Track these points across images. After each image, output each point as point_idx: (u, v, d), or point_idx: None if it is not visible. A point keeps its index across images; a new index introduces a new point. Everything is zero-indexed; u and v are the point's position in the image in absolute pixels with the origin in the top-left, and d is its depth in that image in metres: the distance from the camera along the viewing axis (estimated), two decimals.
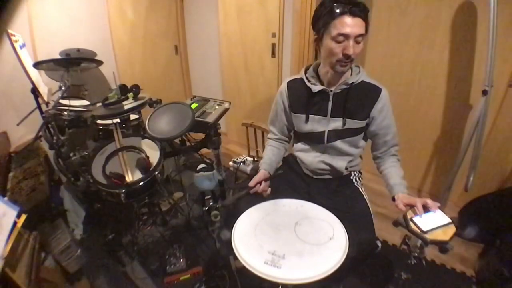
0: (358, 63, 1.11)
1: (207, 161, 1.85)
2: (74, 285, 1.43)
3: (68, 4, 2.19)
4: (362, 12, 0.92)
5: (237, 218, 0.96)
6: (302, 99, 1.14)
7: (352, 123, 1.09)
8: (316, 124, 1.13)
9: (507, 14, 1.44)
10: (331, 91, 1.08)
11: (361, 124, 1.10)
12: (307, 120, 1.14)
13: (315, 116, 1.12)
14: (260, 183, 1.07)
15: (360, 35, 0.93)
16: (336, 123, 1.11)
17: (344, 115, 1.09)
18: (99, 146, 1.44)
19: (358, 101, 1.07)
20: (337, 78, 1.07)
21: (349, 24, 0.91)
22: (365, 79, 1.08)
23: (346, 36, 0.92)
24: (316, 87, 1.09)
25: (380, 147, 1.15)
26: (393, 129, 1.12)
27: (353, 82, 1.06)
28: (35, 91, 1.57)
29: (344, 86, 1.07)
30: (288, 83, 1.19)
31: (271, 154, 1.26)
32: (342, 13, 0.90)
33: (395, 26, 1.88)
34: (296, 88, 1.16)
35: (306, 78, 1.13)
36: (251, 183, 1.07)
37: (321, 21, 0.96)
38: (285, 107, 1.21)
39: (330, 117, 1.11)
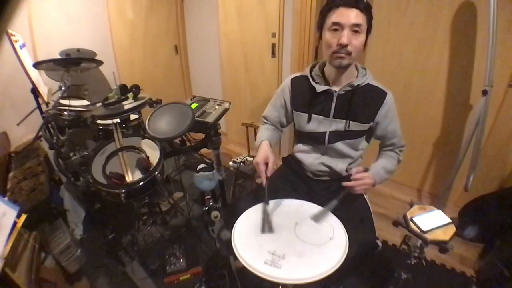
0: (358, 62, 1.11)
1: (207, 161, 1.85)
2: (74, 285, 1.43)
3: (68, 4, 2.18)
4: (358, 4, 0.92)
5: (237, 218, 0.96)
6: (305, 97, 1.13)
7: (354, 126, 1.08)
8: (318, 124, 1.12)
9: (507, 14, 1.44)
10: (335, 92, 1.07)
11: (363, 127, 1.09)
12: (309, 119, 1.13)
13: (318, 116, 1.11)
14: (267, 164, 0.99)
15: (356, 24, 0.92)
16: (338, 125, 1.10)
17: (348, 117, 1.08)
18: (99, 146, 1.44)
19: (362, 104, 1.06)
20: (340, 76, 1.06)
21: (344, 14, 0.92)
22: (371, 82, 1.07)
23: (341, 26, 0.93)
24: (320, 87, 1.08)
25: (386, 146, 1.18)
26: (398, 133, 1.13)
27: (358, 84, 1.05)
28: (35, 91, 1.57)
29: (349, 88, 1.06)
30: (292, 79, 1.17)
31: (269, 132, 1.19)
32: (338, 5, 0.93)
33: (395, 26, 1.88)
34: (300, 86, 1.15)
35: (311, 76, 1.12)
36: (260, 170, 0.98)
37: (321, 16, 1.00)
38: (286, 104, 1.20)
39: (333, 118, 1.10)
